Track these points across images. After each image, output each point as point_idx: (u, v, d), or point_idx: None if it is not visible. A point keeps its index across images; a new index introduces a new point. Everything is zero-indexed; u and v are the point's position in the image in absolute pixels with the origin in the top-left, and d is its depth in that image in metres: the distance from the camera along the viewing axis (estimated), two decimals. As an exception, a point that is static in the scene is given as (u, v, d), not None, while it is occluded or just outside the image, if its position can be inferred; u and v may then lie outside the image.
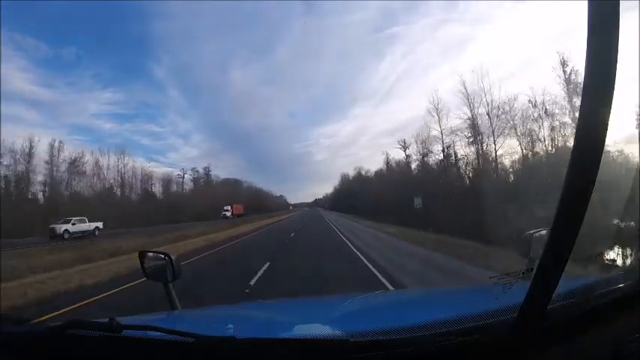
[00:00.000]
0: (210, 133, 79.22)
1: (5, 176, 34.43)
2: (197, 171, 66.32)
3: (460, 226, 16.00)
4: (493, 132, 24.53)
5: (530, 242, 1.33)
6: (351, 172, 69.85)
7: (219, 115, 79.59)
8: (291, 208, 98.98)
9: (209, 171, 67.80)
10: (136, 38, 74.88)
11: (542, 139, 22.41)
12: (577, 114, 0.62)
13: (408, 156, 40.28)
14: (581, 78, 0.60)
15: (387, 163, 46.77)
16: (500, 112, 24.28)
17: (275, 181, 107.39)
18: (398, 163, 42.20)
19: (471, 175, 25.88)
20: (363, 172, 62.44)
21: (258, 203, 74.30)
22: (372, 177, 52.68)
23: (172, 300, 1.51)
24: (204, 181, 66.67)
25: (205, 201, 53.19)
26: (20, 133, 36.43)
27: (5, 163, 34.48)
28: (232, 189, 68.96)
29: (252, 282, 7.07)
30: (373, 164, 66.57)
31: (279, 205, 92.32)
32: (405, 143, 41.90)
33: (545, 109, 22.03)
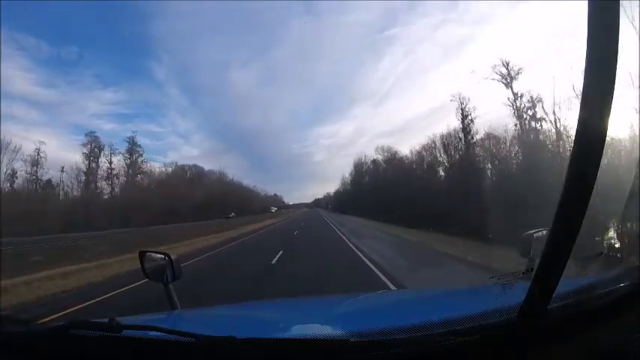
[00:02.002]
0: (209, 132, 78.90)
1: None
2: (110, 147, 43.63)
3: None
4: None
5: (530, 242, 1.33)
6: (369, 156, 50.23)
7: (218, 114, 79.27)
8: (273, 210, 75.92)
9: (132, 146, 45.19)
10: (137, 38, 75.11)
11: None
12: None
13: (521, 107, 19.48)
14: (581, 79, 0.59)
15: (465, 117, 24.16)
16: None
17: (273, 180, 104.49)
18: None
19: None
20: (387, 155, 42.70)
21: (239, 204, 56.90)
22: (406, 159, 34.51)
23: (172, 300, 1.51)
24: (129, 167, 44.48)
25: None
26: (22, 133, 36.00)
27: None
28: (187, 183, 50.92)
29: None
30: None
31: (267, 205, 78.84)
32: (507, 66, 21.05)
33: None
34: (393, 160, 41.47)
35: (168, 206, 42.43)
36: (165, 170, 55.14)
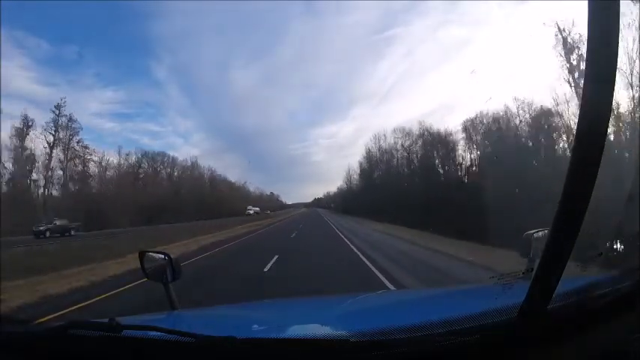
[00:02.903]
0: (209, 132, 78.57)
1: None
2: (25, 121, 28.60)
3: None
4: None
5: (530, 242, 1.33)
6: (388, 136, 37.87)
7: (218, 114, 78.88)
8: (251, 212, 53.54)
9: (58, 117, 29.51)
10: (138, 37, 75.12)
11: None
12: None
13: None
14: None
15: (570, 50, 14.44)
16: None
17: (272, 180, 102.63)
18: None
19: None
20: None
21: (215, 204, 44.23)
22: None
23: (172, 300, 1.52)
24: (52, 146, 29.80)
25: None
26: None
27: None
28: (141, 176, 38.52)
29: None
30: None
31: (262, 206, 65.60)
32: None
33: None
34: (425, 134, 28.16)
35: (97, 207, 30.23)
36: (127, 159, 40.46)
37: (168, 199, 39.39)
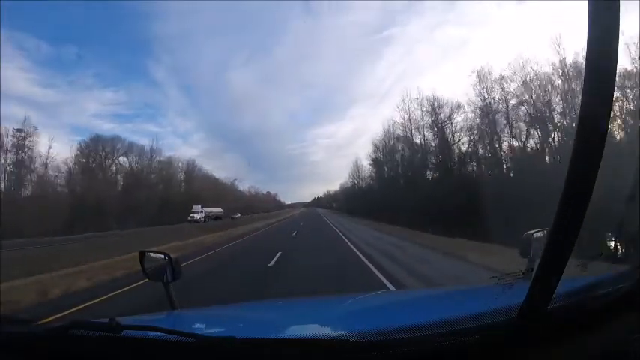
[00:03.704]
0: (208, 132, 78.26)
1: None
2: None
3: None
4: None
5: (530, 242, 1.33)
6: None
7: (217, 115, 78.43)
8: (197, 216, 35.06)
9: None
10: (137, 37, 75.03)
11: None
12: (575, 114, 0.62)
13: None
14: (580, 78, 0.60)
15: None
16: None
17: (272, 180, 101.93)
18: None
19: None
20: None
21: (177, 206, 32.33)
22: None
23: (172, 300, 1.52)
24: None
25: None
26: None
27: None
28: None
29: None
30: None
31: (263, 207, 59.81)
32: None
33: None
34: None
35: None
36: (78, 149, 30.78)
37: (115, 199, 30.11)
